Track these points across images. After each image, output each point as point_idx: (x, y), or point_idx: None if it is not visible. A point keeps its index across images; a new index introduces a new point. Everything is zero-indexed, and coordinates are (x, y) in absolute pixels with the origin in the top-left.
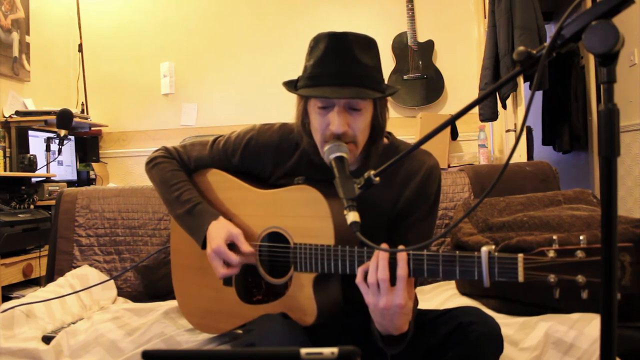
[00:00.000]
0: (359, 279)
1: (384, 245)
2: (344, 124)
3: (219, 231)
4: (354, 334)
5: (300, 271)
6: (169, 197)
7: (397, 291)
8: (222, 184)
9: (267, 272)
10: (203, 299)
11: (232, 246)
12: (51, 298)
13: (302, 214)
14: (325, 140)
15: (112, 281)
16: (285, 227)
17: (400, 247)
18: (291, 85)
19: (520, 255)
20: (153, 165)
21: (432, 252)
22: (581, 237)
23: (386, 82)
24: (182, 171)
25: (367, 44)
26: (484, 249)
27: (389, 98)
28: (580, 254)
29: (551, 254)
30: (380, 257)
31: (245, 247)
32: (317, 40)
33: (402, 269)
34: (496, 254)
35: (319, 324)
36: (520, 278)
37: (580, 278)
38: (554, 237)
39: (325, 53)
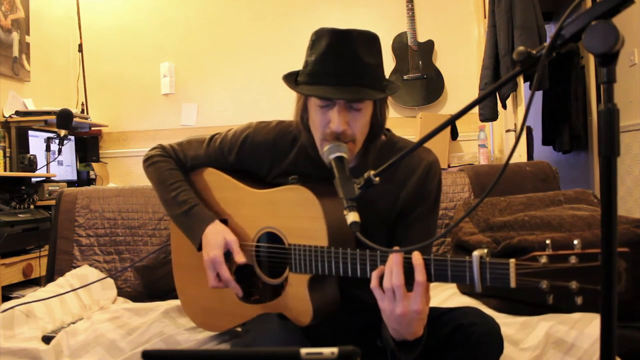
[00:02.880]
0: (374, 284)
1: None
2: (344, 123)
3: (215, 238)
4: (353, 333)
5: (296, 272)
6: (166, 197)
7: (414, 297)
8: (217, 183)
9: (263, 272)
10: (203, 298)
11: (228, 255)
12: (51, 297)
13: (295, 215)
14: (325, 138)
15: (112, 281)
16: (279, 228)
17: (396, 247)
18: (291, 80)
19: (512, 261)
20: (150, 163)
21: (424, 255)
22: (575, 242)
23: None
24: (178, 170)
25: (370, 41)
26: (476, 253)
27: (389, 97)
28: (573, 259)
29: (543, 259)
30: (394, 263)
31: (239, 257)
32: (319, 35)
33: (420, 274)
34: (488, 258)
35: (316, 323)
36: (512, 284)
37: (573, 284)
38: (547, 241)
39: (326, 50)
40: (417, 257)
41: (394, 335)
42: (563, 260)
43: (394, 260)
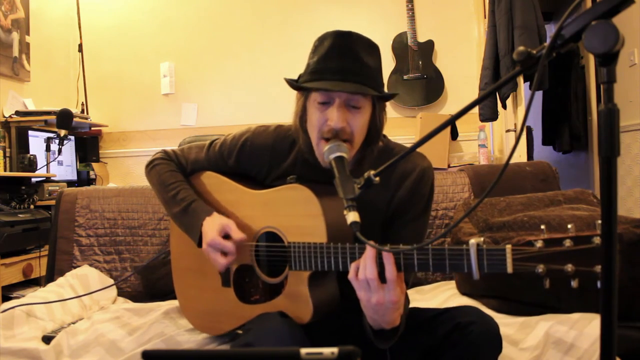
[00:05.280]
0: (351, 275)
1: (373, 242)
2: (342, 120)
3: (212, 225)
4: (354, 332)
5: (295, 269)
6: (166, 197)
7: (388, 288)
8: (217, 186)
9: (263, 272)
10: (203, 301)
11: (227, 238)
12: (53, 301)
13: (294, 213)
14: (323, 136)
15: (112, 281)
16: (278, 227)
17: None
18: (293, 81)
19: (509, 247)
20: (152, 167)
21: (421, 246)
22: (569, 226)
23: (386, 82)
24: (179, 172)
25: (371, 47)
26: (472, 241)
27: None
28: (568, 243)
29: (539, 244)
30: (368, 257)
31: (238, 234)
32: (322, 39)
33: (389, 273)
34: (484, 245)
35: (317, 321)
36: (509, 269)
37: (569, 267)
38: (542, 226)
39: (329, 50)
40: (388, 256)
41: (372, 323)
42: (558, 244)
43: (368, 254)
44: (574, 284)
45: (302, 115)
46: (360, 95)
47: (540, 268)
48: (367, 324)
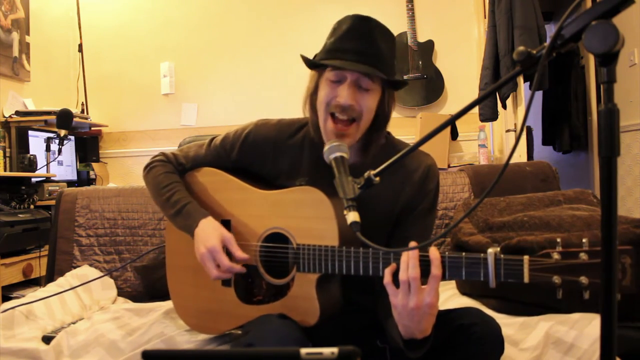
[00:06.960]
0: (387, 280)
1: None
2: (352, 98)
3: (212, 231)
4: (353, 333)
5: (304, 272)
6: (161, 199)
7: (428, 290)
8: (222, 184)
9: (267, 273)
10: (200, 300)
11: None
12: (50, 295)
13: (305, 215)
14: (330, 111)
15: (112, 281)
16: (287, 228)
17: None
18: (308, 59)
19: (526, 257)
20: (148, 170)
21: (421, 246)
22: (584, 240)
23: None
24: (175, 174)
25: (388, 34)
26: (491, 250)
27: None
28: (583, 256)
29: (556, 255)
30: (410, 256)
31: (239, 253)
32: (341, 22)
33: (437, 268)
34: (502, 255)
35: (319, 323)
36: (526, 279)
37: (583, 279)
38: (558, 239)
39: (347, 31)
40: (434, 252)
41: (403, 332)
42: (574, 257)
43: (411, 254)
44: (586, 295)
45: (313, 93)
46: (370, 77)
47: (556, 279)
48: (396, 334)
